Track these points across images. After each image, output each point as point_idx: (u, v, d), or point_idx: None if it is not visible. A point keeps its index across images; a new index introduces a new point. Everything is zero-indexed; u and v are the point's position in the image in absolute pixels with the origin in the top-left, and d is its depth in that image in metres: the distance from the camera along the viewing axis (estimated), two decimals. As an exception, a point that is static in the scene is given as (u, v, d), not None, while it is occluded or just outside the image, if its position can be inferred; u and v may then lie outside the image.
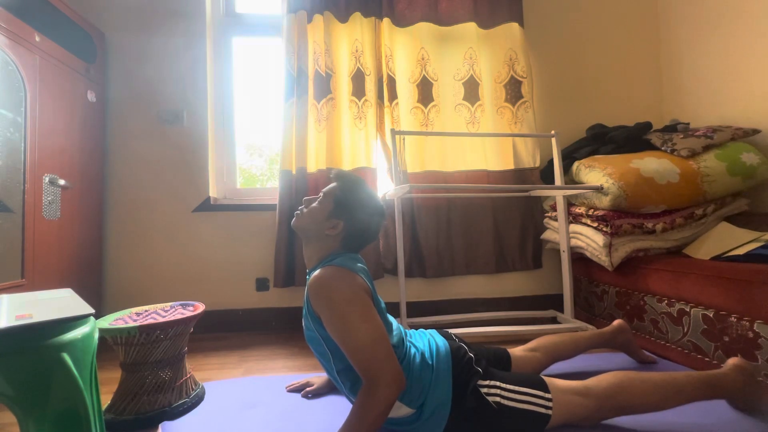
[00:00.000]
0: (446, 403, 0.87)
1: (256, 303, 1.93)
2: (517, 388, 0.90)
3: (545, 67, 2.17)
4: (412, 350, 0.95)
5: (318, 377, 1.21)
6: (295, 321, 1.93)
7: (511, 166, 2.02)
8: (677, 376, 0.97)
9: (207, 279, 1.90)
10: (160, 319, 1.07)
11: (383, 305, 0.98)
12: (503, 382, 0.91)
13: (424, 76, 2.00)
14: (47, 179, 1.45)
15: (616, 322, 1.34)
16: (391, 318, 1.01)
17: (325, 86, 1.90)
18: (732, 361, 1.03)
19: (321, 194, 1.01)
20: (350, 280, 0.87)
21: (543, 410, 0.87)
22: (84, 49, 1.72)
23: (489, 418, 0.86)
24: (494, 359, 1.09)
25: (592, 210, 1.70)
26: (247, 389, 1.21)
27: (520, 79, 2.01)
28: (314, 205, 1.00)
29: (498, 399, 0.87)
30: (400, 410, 0.88)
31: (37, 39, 1.43)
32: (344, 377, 0.91)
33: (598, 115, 2.14)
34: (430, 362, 0.93)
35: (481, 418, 0.87)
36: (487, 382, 0.90)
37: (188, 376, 1.15)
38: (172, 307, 1.21)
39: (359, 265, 0.94)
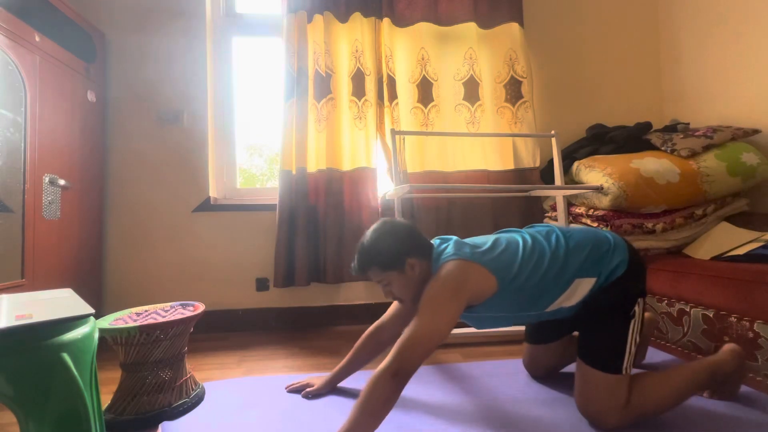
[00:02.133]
0: (623, 264, 0.96)
1: (256, 303, 1.92)
2: (633, 342, 0.94)
3: (545, 67, 2.17)
4: (570, 233, 1.03)
5: (318, 377, 1.21)
6: (295, 321, 1.93)
7: (511, 166, 2.02)
8: (688, 376, 0.97)
9: (207, 279, 1.90)
10: (160, 319, 1.07)
11: (503, 242, 1.01)
12: (639, 331, 0.96)
13: (424, 76, 2.00)
14: (47, 179, 1.45)
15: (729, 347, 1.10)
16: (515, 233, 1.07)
17: (325, 86, 1.90)
18: (728, 346, 1.07)
19: (379, 284, 1.03)
20: (463, 274, 0.93)
21: (623, 368, 0.92)
22: (84, 49, 1.72)
23: (617, 314, 0.95)
24: None
25: (592, 210, 1.70)
26: (247, 389, 1.21)
27: (520, 79, 2.01)
28: (392, 287, 1.01)
29: (633, 320, 0.95)
30: (584, 284, 0.96)
31: (37, 39, 1.43)
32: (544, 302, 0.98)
33: (598, 115, 2.14)
34: (609, 236, 1.02)
35: (617, 307, 0.95)
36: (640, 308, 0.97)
37: (188, 376, 1.15)
38: (172, 307, 1.21)
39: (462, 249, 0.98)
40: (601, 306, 0.96)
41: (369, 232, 1.03)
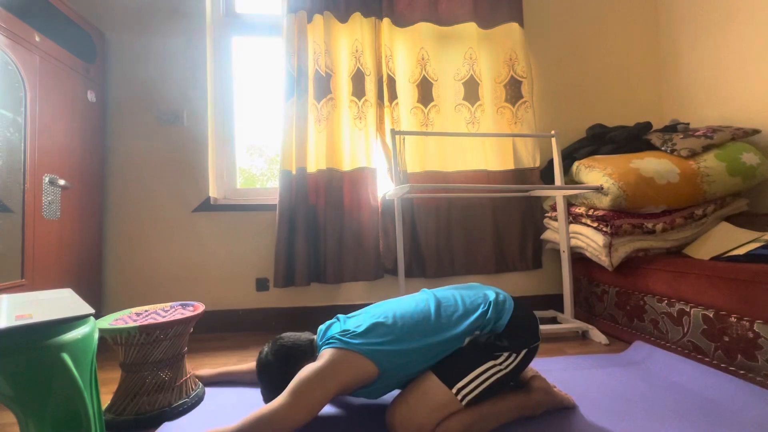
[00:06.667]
0: (502, 326, 1.00)
1: (256, 303, 1.93)
2: (485, 380, 0.93)
3: (545, 67, 2.17)
4: (444, 303, 1.05)
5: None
6: (295, 321, 1.93)
7: (511, 166, 2.02)
8: (493, 419, 0.95)
9: (207, 279, 1.90)
10: (160, 319, 1.07)
11: (379, 317, 1.00)
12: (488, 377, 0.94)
13: (424, 76, 2.00)
14: (47, 179, 1.45)
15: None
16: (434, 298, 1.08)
17: (325, 86, 1.90)
18: (538, 384, 1.05)
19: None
20: (334, 364, 0.91)
21: (457, 387, 0.91)
22: (84, 49, 1.72)
23: (483, 347, 0.98)
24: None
25: (592, 210, 1.70)
26: (247, 389, 1.21)
27: (520, 79, 2.01)
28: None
29: (495, 362, 0.96)
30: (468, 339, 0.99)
31: (37, 39, 1.43)
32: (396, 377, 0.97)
33: (598, 115, 2.14)
34: (502, 297, 1.07)
35: (486, 345, 0.98)
36: (502, 357, 0.97)
37: (188, 376, 1.15)
38: (172, 307, 1.21)
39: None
40: (476, 341, 0.98)
41: (259, 378, 1.04)
